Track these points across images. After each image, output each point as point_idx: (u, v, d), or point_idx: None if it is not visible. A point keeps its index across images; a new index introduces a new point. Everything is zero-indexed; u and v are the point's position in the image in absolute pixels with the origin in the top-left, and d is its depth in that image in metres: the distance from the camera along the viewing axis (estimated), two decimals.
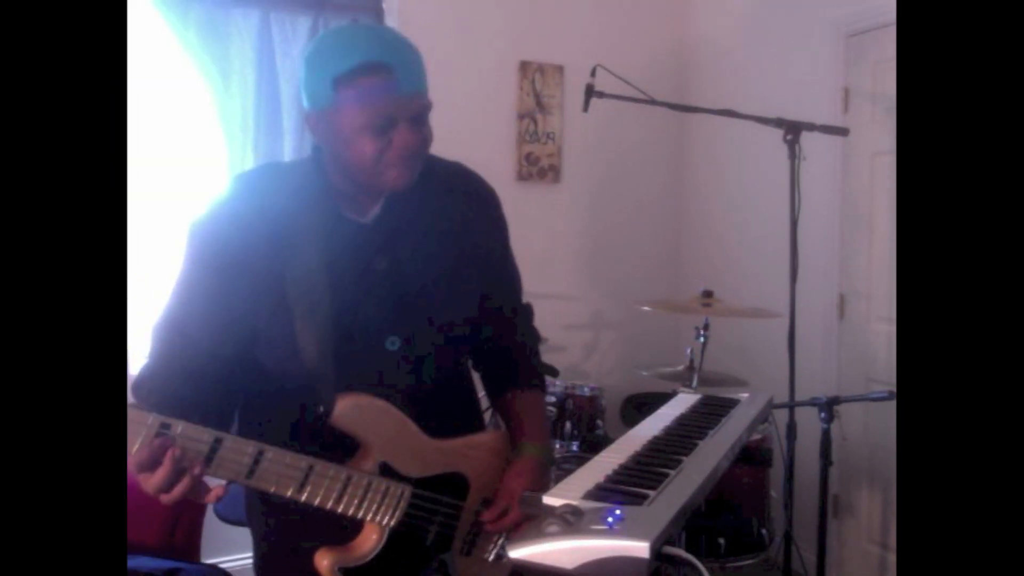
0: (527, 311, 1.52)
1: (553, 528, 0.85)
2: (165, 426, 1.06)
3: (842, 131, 2.62)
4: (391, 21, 3.22)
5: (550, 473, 1.40)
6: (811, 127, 2.55)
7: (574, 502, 0.93)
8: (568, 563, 0.82)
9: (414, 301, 1.29)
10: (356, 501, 1.19)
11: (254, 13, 2.95)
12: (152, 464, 1.06)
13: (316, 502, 1.16)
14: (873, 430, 2.99)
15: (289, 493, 1.14)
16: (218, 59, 2.90)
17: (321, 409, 1.19)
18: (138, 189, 2.83)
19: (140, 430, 1.05)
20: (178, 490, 1.08)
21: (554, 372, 1.55)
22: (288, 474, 1.14)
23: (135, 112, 2.81)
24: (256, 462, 1.11)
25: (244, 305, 1.21)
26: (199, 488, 1.11)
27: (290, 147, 3.04)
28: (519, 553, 0.84)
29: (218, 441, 1.09)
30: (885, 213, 2.95)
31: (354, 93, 1.15)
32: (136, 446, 1.05)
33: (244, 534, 2.84)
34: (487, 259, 1.40)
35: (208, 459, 1.09)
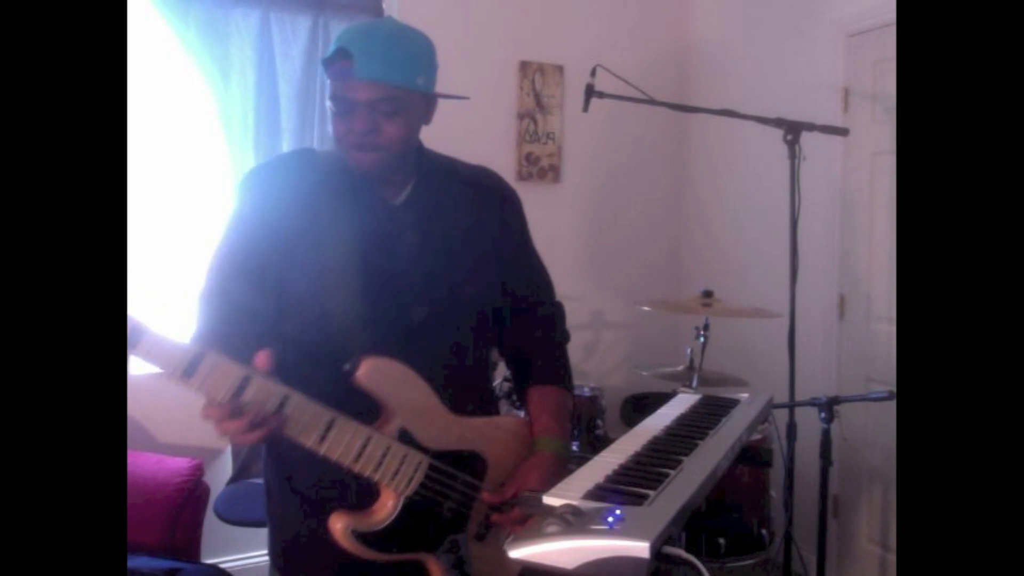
0: (555, 310, 1.55)
1: (553, 528, 0.85)
2: (197, 357, 1.09)
3: (842, 131, 2.62)
4: None
5: (565, 469, 1.40)
6: (811, 127, 2.55)
7: (574, 502, 0.92)
8: (568, 563, 0.82)
9: (438, 277, 1.34)
10: (374, 463, 1.21)
11: (254, 13, 2.95)
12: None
13: (335, 457, 1.18)
14: (873, 430, 2.98)
15: (310, 443, 1.17)
16: (218, 59, 2.90)
17: (347, 366, 1.21)
18: (138, 189, 2.83)
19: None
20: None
21: None
22: (311, 422, 1.17)
23: (135, 112, 2.81)
24: (282, 405, 1.14)
25: (279, 265, 1.28)
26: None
27: (290, 147, 3.03)
28: (519, 553, 0.84)
29: (247, 379, 1.11)
30: (885, 213, 2.95)
31: (328, 78, 1.26)
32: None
33: (244, 534, 2.85)
34: (506, 252, 1.45)
35: (237, 395, 1.11)
